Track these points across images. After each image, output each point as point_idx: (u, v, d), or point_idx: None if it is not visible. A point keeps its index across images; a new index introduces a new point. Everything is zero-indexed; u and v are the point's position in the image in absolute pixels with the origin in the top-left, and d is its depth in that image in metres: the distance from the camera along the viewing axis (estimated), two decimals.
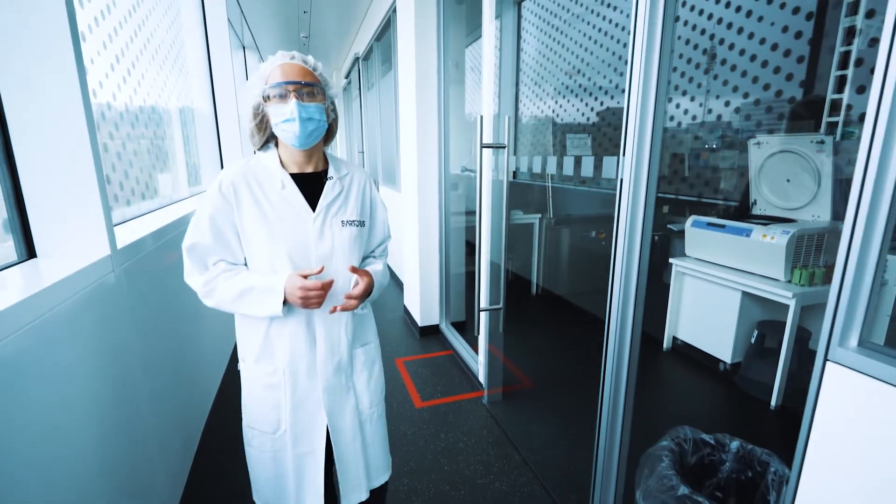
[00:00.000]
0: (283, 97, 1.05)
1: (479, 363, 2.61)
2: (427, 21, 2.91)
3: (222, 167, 4.23)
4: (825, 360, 0.81)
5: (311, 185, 1.14)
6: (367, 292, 1.12)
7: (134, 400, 1.42)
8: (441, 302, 3.37)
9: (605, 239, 4.09)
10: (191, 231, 1.10)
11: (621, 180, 1.28)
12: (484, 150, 2.11)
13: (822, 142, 2.51)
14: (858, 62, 2.53)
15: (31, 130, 1.20)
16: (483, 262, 2.39)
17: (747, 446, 1.42)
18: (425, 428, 2.21)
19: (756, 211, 2.96)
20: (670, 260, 2.96)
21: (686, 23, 3.35)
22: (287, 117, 1.04)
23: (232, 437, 2.19)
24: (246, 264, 1.16)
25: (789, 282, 2.36)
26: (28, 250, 1.25)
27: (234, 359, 3.04)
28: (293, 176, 1.14)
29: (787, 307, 2.28)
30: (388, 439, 1.37)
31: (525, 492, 1.80)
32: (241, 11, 5.07)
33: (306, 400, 1.18)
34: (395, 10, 3.51)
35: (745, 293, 2.59)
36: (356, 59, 5.79)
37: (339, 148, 8.88)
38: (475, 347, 2.79)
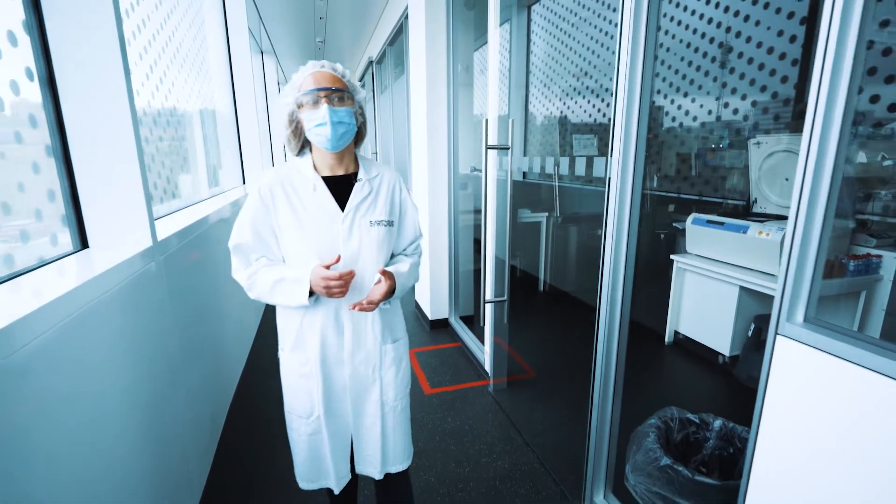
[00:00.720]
0: (315, 103, 1.13)
1: (485, 354, 2.74)
2: (437, 26, 3.04)
3: (242, 167, 4.43)
4: (776, 334, 0.93)
5: (342, 187, 1.21)
6: (389, 293, 1.18)
7: (172, 378, 1.58)
8: (450, 297, 3.50)
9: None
10: (235, 232, 1.21)
11: (609, 179, 1.40)
12: (489, 151, 2.24)
13: None
14: None
15: (86, 136, 1.36)
16: (489, 257, 2.52)
17: (729, 424, 1.53)
18: (434, 412, 2.35)
19: (756, 209, 3.04)
20: (672, 256, 3.05)
21: (702, 16, 3.43)
22: (319, 121, 1.12)
23: (254, 417, 2.35)
24: (284, 261, 1.25)
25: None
26: (82, 242, 1.42)
27: (254, 346, 3.21)
28: (325, 179, 1.21)
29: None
30: (410, 431, 1.42)
31: (525, 469, 1.93)
32: (260, 18, 5.27)
33: (335, 387, 1.28)
34: (407, 17, 3.65)
35: (742, 288, 2.68)
36: (370, 63, 5.95)
37: None
38: (482, 339, 2.92)
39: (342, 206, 1.20)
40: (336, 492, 1.35)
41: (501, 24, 5.14)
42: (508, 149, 2.18)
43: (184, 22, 2.85)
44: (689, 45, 3.46)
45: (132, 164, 1.42)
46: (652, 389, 2.65)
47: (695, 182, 3.64)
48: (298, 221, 1.18)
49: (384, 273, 1.17)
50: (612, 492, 1.67)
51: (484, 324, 2.63)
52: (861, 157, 2.66)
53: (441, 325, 3.55)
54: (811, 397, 0.88)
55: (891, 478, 0.76)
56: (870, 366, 0.77)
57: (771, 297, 2.47)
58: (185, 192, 2.73)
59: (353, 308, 1.16)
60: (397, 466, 1.39)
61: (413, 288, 4.14)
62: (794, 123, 2.92)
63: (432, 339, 3.34)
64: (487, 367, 2.68)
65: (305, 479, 1.36)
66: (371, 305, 1.16)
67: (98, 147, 1.38)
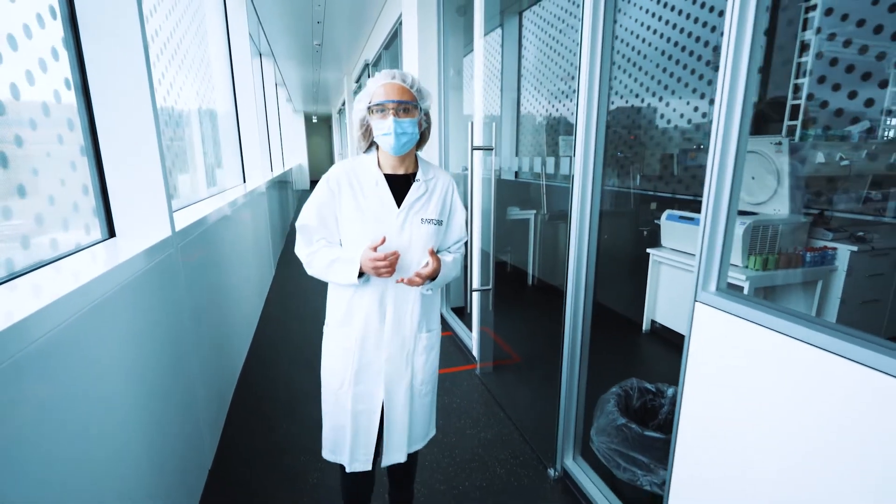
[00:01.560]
0: (383, 112, 1.24)
1: (472, 340, 2.94)
2: (428, 35, 3.24)
3: (243, 165, 4.61)
4: (694, 301, 1.13)
5: (401, 185, 1.32)
6: (434, 274, 1.28)
7: (188, 354, 1.78)
8: (442, 289, 3.70)
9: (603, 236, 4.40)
10: (303, 213, 1.33)
11: (573, 176, 1.61)
12: (475, 151, 2.44)
13: (780, 143, 2.81)
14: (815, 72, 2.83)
15: (114, 138, 1.55)
16: (475, 250, 2.72)
17: None
18: None
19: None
20: (648, 250, 3.26)
21: (668, 21, 3.65)
22: (385, 131, 1.23)
23: (258, 394, 2.55)
24: (341, 244, 1.36)
25: (746, 267, 2.66)
26: (109, 231, 1.61)
27: (258, 331, 3.40)
28: (387, 176, 1.32)
29: (743, 289, 2.57)
30: (434, 414, 1.54)
31: (506, 439, 2.14)
32: (259, 21, 5.46)
33: (370, 366, 1.37)
34: (401, 24, 3.85)
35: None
36: (366, 65, 6.14)
37: (350, 151, 9.22)
38: (471, 328, 3.12)
39: (399, 203, 1.30)
40: (347, 469, 1.42)
41: (494, 29, 5.36)
42: (492, 149, 2.38)
43: (190, 30, 3.03)
44: (662, 53, 3.68)
45: (154, 162, 1.61)
46: (624, 371, 2.85)
47: (681, 180, 3.85)
48: (359, 211, 1.29)
49: (432, 255, 1.27)
50: (580, 454, 1.87)
51: (470, 310, 2.83)
52: (819, 158, 2.89)
53: None
54: (721, 352, 1.09)
55: (787, 410, 0.96)
56: (763, 323, 0.97)
57: (738, 286, 2.70)
58: (193, 188, 2.92)
59: (399, 281, 1.27)
60: (417, 445, 1.50)
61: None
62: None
63: None
64: (475, 352, 2.89)
65: (328, 449, 1.46)
66: (418, 279, 1.25)
67: (125, 147, 1.57)
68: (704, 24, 3.40)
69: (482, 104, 2.60)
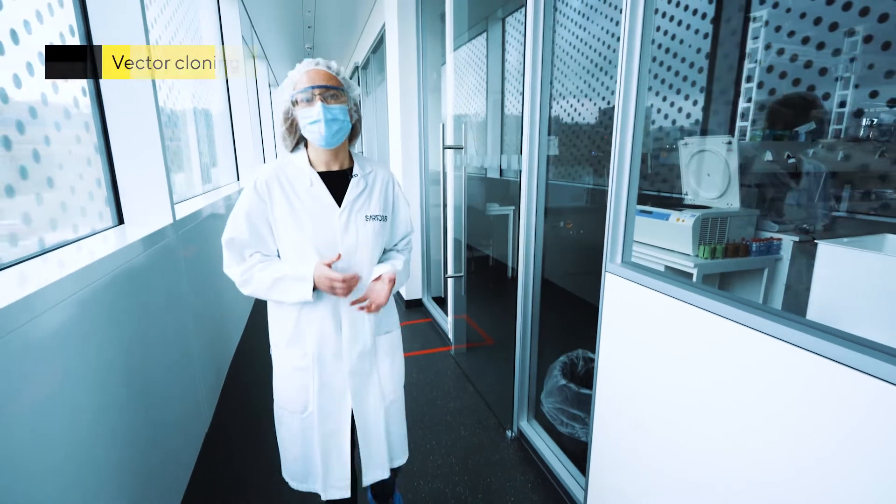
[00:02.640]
0: (309, 101, 1.14)
1: (448, 324, 3.19)
2: (409, 43, 3.48)
3: (237, 163, 4.84)
4: (604, 272, 1.38)
5: (337, 183, 1.23)
6: (388, 295, 1.22)
7: (186, 334, 2.01)
8: (423, 280, 3.95)
9: (571, 228, 4.67)
10: (229, 226, 1.20)
11: (521, 171, 1.86)
12: (446, 150, 2.69)
13: (730, 143, 3.08)
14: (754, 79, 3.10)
15: (123, 137, 1.79)
16: (449, 239, 2.97)
17: None
18: None
19: (687, 201, 3.52)
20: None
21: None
22: (314, 119, 1.13)
23: (251, 372, 2.79)
24: (279, 255, 1.26)
25: (697, 256, 2.92)
26: (119, 218, 1.85)
27: (253, 312, 3.64)
28: (321, 174, 1.22)
29: (692, 276, 2.83)
30: (406, 424, 1.46)
31: (472, 408, 2.39)
32: (252, 25, 5.68)
33: (332, 382, 1.28)
34: (385, 31, 4.09)
35: (666, 266, 3.15)
36: (356, 68, 6.38)
37: None
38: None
39: (339, 202, 1.22)
40: (323, 497, 1.34)
41: (480, 34, 5.61)
42: (462, 148, 2.62)
43: (186, 37, 3.26)
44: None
45: (158, 158, 1.85)
46: (577, 345, 3.11)
47: (654, 180, 4.11)
48: (295, 215, 1.19)
49: (389, 279, 1.22)
50: (533, 417, 2.13)
51: (445, 294, 3.07)
52: (768, 156, 3.15)
53: (415, 305, 3.99)
54: (625, 311, 1.34)
55: (677, 355, 1.21)
56: (652, 287, 1.22)
57: (690, 274, 2.96)
58: (189, 185, 3.15)
59: (357, 307, 1.21)
60: (399, 460, 1.42)
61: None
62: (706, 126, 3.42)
63: (406, 316, 3.79)
64: (450, 335, 3.13)
65: (295, 479, 1.37)
66: (377, 308, 1.21)
67: (132, 145, 1.81)
68: (680, 24, 3.66)
69: (453, 108, 2.84)
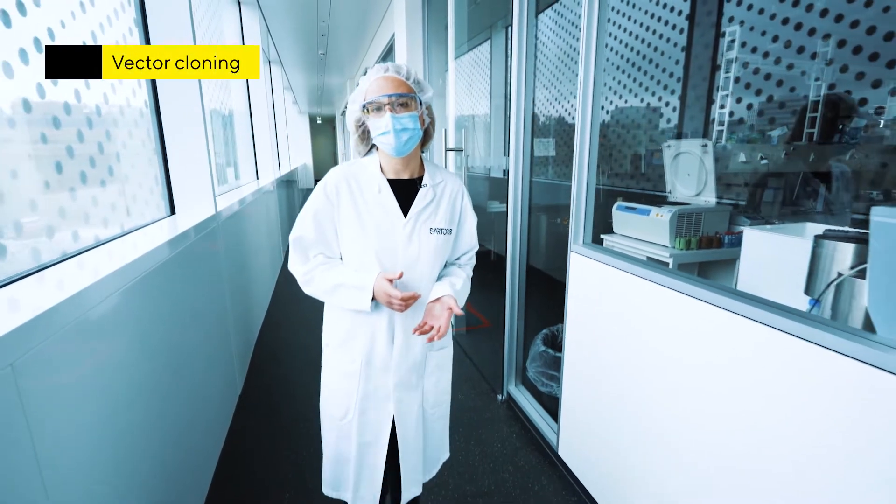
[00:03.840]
0: (379, 110, 1.13)
1: None
2: (416, 50, 3.81)
3: (256, 163, 5.21)
4: (569, 251, 1.71)
5: (406, 191, 1.21)
6: (448, 322, 1.17)
7: (224, 309, 2.37)
8: None
9: (566, 224, 4.98)
10: (297, 225, 1.21)
11: (508, 171, 2.19)
12: (448, 152, 3.02)
13: (706, 145, 3.39)
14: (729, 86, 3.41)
15: (177, 141, 2.14)
16: None
17: None
18: None
19: (671, 198, 3.83)
20: (602, 235, 3.83)
21: (631, 33, 4.22)
22: (383, 130, 1.12)
23: (275, 346, 3.14)
24: (341, 258, 1.25)
25: (673, 247, 3.23)
26: (171, 209, 2.21)
27: (272, 300, 4.00)
28: (390, 181, 1.20)
29: (668, 265, 3.15)
30: (447, 436, 1.47)
31: (469, 378, 2.73)
32: (269, 32, 6.06)
33: (376, 392, 1.26)
34: (395, 40, 4.43)
35: (648, 257, 3.46)
36: (367, 72, 6.73)
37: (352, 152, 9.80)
38: None
39: (405, 210, 1.20)
40: None
41: (484, 42, 5.95)
42: (462, 150, 2.96)
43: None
44: (634, 64, 4.26)
45: (203, 158, 2.20)
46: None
47: (649, 178, 4.42)
48: (360, 221, 1.18)
49: (448, 308, 1.17)
50: (520, 382, 2.46)
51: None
52: (742, 157, 3.46)
53: None
54: (586, 284, 1.67)
55: (626, 316, 1.55)
56: (606, 262, 1.55)
57: (662, 262, 3.27)
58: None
59: (419, 333, 1.15)
60: (431, 473, 1.44)
61: None
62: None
63: None
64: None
65: (328, 485, 1.38)
66: (440, 337, 1.14)
67: (183, 147, 2.17)
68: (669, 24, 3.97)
69: (454, 114, 3.17)
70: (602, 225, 4.81)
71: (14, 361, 0.77)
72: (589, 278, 1.65)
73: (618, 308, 1.51)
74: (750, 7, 3.19)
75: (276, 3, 4.90)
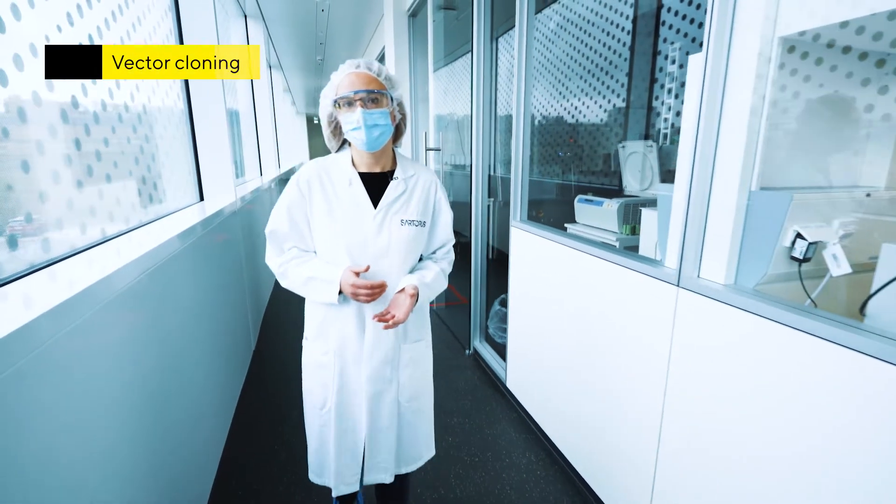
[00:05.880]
0: (350, 105, 1.14)
1: None
2: (402, 62, 4.35)
3: (260, 160, 5.73)
4: (511, 227, 2.26)
5: (377, 185, 1.23)
6: (408, 311, 1.17)
7: (242, 280, 2.91)
8: None
9: (542, 217, 5.54)
10: (272, 218, 1.24)
11: (471, 165, 2.74)
12: (428, 151, 3.57)
13: (651, 146, 3.94)
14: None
15: (205, 138, 2.67)
16: None
17: None
18: None
19: (626, 193, 4.39)
20: (566, 224, 4.39)
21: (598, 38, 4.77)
22: (354, 125, 1.14)
23: (279, 312, 3.67)
24: (315, 252, 1.27)
25: (620, 233, 3.79)
26: (200, 196, 2.74)
27: (275, 287, 4.53)
28: (362, 175, 1.23)
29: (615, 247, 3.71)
30: (431, 434, 1.45)
31: (444, 338, 3.28)
32: (271, 40, 6.58)
33: (350, 384, 1.29)
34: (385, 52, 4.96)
35: (602, 241, 4.02)
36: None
37: None
38: None
39: (376, 203, 1.21)
40: (334, 494, 1.36)
41: (466, 53, 6.49)
42: (440, 150, 3.50)
43: None
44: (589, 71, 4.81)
45: (226, 153, 2.74)
46: None
47: (618, 174, 4.96)
48: (331, 213, 1.20)
49: (411, 295, 1.18)
50: (484, 339, 3.01)
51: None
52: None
53: None
54: (522, 251, 2.22)
55: (553, 278, 2.10)
56: (536, 233, 2.10)
57: (610, 244, 3.81)
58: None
59: (378, 320, 1.16)
60: (410, 467, 1.42)
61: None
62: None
63: None
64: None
65: (314, 472, 1.40)
66: (396, 324, 1.15)
67: (210, 144, 2.70)
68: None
69: (434, 118, 3.71)
70: (563, 215, 5.43)
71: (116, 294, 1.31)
72: (524, 246, 2.20)
73: (543, 268, 2.06)
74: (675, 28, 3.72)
75: (279, 15, 5.43)
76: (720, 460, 1.17)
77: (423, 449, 1.44)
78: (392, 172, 1.26)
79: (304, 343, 1.35)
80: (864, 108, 1.23)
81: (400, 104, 1.24)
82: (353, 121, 1.15)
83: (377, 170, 1.25)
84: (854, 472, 0.88)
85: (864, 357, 0.84)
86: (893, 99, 1.22)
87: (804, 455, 0.96)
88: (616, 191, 4.91)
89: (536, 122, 6.01)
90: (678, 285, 1.29)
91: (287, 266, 1.24)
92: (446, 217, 1.34)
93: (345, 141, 1.28)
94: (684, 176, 1.26)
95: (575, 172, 5.57)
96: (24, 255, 1.10)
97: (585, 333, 1.75)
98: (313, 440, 1.37)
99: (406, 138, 4.58)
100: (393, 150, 1.30)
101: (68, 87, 1.34)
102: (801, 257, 1.08)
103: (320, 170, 1.24)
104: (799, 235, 1.08)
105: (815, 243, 1.07)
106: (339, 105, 1.17)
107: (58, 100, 1.28)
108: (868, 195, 1.15)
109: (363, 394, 1.29)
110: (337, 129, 1.25)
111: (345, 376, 1.29)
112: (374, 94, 1.15)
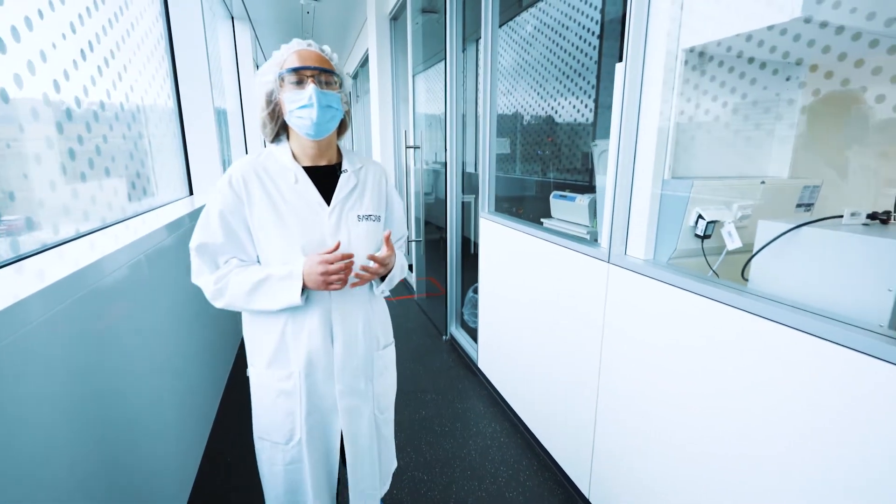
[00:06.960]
0: (299, 83, 1.02)
1: (413, 281, 4.27)
2: (385, 64, 4.53)
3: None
4: (479, 217, 2.46)
5: (325, 179, 1.11)
6: (388, 263, 1.11)
7: None
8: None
9: (521, 213, 5.76)
10: (199, 230, 1.06)
11: (446, 162, 2.93)
12: (408, 149, 3.75)
13: (597, 145, 4.16)
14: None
15: (195, 135, 2.83)
16: (411, 216, 4.04)
17: None
18: None
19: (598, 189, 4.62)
20: (542, 219, 4.60)
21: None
22: (304, 103, 1.00)
23: None
24: (259, 263, 1.11)
25: (590, 226, 4.01)
26: (190, 191, 2.90)
27: None
28: (306, 170, 1.10)
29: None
30: (394, 445, 1.37)
31: (422, 326, 3.47)
32: (258, 41, 6.71)
33: (322, 405, 1.15)
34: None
35: (574, 234, 4.24)
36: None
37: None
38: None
39: (327, 200, 1.10)
40: None
41: (446, 57, 6.69)
42: (419, 147, 3.69)
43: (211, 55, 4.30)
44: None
45: (214, 149, 2.90)
46: None
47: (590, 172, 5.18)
48: (279, 216, 1.06)
49: (388, 242, 1.10)
50: (460, 325, 3.21)
51: (407, 252, 4.14)
52: None
53: None
54: (491, 240, 2.41)
55: (514, 262, 2.29)
56: (501, 223, 2.29)
57: (582, 237, 4.03)
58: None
59: (354, 286, 1.09)
60: (385, 486, 1.33)
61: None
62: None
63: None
64: (415, 288, 4.21)
65: None
66: (367, 274, 1.08)
67: (198, 141, 2.85)
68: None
69: (413, 117, 3.90)
70: (542, 210, 5.67)
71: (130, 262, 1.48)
72: (491, 236, 2.39)
73: (507, 255, 2.25)
74: None
75: (265, 17, 5.58)
76: (645, 407, 1.38)
77: (392, 462, 1.38)
78: (339, 166, 1.17)
79: (252, 372, 1.17)
80: (763, 111, 1.45)
81: (348, 97, 1.15)
82: (302, 98, 1.01)
83: (322, 163, 1.14)
84: (733, 398, 1.09)
85: (747, 314, 1.05)
86: (786, 102, 1.44)
87: (709, 394, 1.17)
88: (591, 187, 5.16)
89: (517, 123, 6.24)
90: (608, 262, 1.50)
91: (227, 279, 1.06)
92: (399, 210, 1.28)
93: (279, 132, 1.14)
94: (613, 168, 1.46)
95: (554, 170, 5.82)
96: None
97: (541, 312, 1.95)
98: (278, 483, 1.19)
99: (388, 136, 4.77)
100: (337, 143, 1.20)
101: (69, 88, 1.51)
102: (702, 234, 1.29)
103: (256, 167, 1.09)
104: (700, 216, 1.29)
105: (713, 222, 1.28)
106: (283, 81, 1.04)
107: (62, 98, 1.45)
108: (763, 182, 1.36)
109: (336, 413, 1.17)
110: (275, 112, 1.09)
111: (314, 398, 1.15)
112: (329, 75, 1.05)
